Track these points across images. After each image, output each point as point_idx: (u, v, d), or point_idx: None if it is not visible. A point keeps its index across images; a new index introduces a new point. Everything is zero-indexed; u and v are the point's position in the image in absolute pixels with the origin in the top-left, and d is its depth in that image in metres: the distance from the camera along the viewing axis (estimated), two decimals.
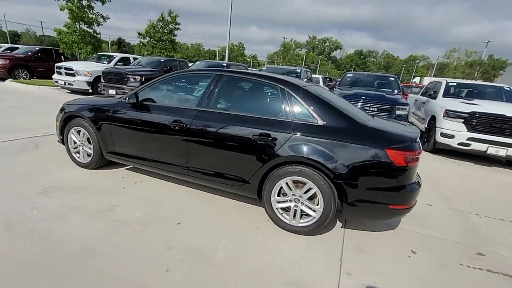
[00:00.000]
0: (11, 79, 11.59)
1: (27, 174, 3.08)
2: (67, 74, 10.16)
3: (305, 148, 2.27)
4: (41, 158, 3.58)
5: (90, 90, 10.13)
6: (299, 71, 9.03)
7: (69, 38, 13.12)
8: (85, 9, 13.58)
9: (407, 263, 2.20)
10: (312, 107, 2.40)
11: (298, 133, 2.32)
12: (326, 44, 79.86)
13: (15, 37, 56.89)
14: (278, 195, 2.45)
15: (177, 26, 20.13)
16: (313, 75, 13.32)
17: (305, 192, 2.34)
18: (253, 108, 2.75)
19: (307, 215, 2.39)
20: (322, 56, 75.99)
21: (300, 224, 2.40)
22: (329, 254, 2.21)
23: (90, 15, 13.67)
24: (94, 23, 13.91)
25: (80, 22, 13.42)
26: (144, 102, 2.92)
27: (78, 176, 3.17)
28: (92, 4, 13.60)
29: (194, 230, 2.36)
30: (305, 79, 8.46)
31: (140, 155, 3.00)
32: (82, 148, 3.34)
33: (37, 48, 13.56)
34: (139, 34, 19.97)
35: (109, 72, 9.06)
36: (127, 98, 2.99)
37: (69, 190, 2.81)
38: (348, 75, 8.72)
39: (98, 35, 14.98)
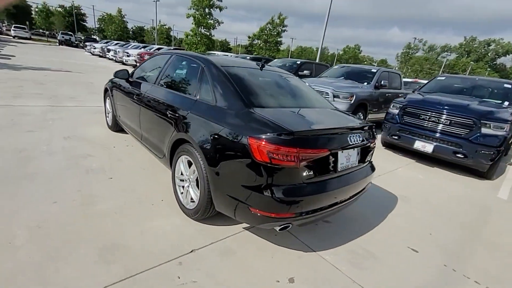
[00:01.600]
0: None
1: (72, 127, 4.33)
2: None
3: (190, 127, 2.19)
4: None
5: None
6: (375, 71, 7.78)
7: (191, 40, 16.36)
8: (207, 15, 16.50)
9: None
10: (215, 87, 2.25)
11: (194, 112, 2.26)
12: (490, 47, 60.79)
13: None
14: (182, 174, 2.46)
15: (284, 28, 21.07)
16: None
17: (193, 173, 2.25)
18: (181, 84, 2.85)
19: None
20: (482, 62, 58.41)
21: (187, 206, 2.33)
22: (189, 245, 2.07)
23: (209, 21, 16.52)
24: (211, 27, 16.74)
25: (201, 27, 16.49)
26: (134, 79, 3.52)
27: (97, 134, 4.16)
28: (212, 11, 16.38)
29: (110, 183, 2.72)
30: (381, 82, 7.26)
31: (128, 124, 3.63)
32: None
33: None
34: (250, 36, 22.21)
35: None
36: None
37: (80, 140, 3.78)
38: (439, 78, 6.83)
39: (212, 37, 17.81)
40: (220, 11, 17.13)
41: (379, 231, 2.61)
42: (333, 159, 1.96)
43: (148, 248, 1.94)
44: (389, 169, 4.52)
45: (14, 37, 32.31)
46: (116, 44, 22.38)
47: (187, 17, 16.41)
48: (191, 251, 1.98)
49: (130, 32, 60.56)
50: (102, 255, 1.81)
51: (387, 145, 5.90)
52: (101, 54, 23.11)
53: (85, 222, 2.11)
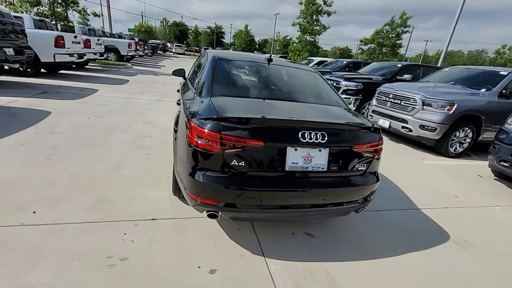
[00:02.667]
0: None
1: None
2: None
3: (177, 115, 2.48)
4: None
5: None
6: (505, 74, 5.65)
7: (295, 47, 16.84)
8: (314, 22, 16.54)
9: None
10: (202, 77, 2.43)
11: (183, 100, 2.51)
12: None
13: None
14: None
15: (405, 29, 18.40)
16: None
17: None
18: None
19: None
20: None
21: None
22: (155, 214, 2.33)
23: (315, 27, 16.49)
24: (317, 33, 16.65)
25: (307, 34, 16.68)
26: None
27: (168, 121, 5.15)
28: (319, 18, 16.29)
29: (143, 157, 3.36)
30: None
31: None
32: None
33: (279, 55, 18.70)
34: (362, 40, 20.56)
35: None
36: None
37: (153, 125, 4.81)
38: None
39: (317, 43, 17.68)
40: (328, 16, 16.82)
41: (368, 266, 2.05)
42: (279, 155, 1.75)
43: (126, 208, 2.35)
44: (478, 203, 3.32)
45: (174, 53, 43.15)
46: None
47: (292, 25, 17.08)
48: (152, 219, 2.24)
49: (256, 45, 68.23)
50: (94, 203, 2.35)
51: (500, 174, 4.28)
52: None
53: (105, 180, 2.76)
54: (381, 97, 6.26)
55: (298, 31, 17.08)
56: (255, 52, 54.29)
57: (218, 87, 2.24)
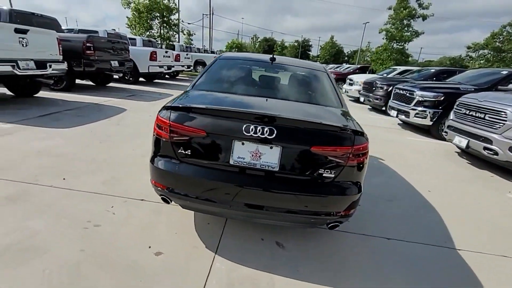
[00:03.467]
0: None
1: None
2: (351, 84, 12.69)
3: None
4: None
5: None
6: None
7: (377, 56, 15.27)
8: (404, 28, 14.66)
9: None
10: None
11: None
12: None
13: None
14: None
15: None
16: None
17: None
18: None
19: None
20: None
21: None
22: (146, 196, 2.59)
23: (405, 33, 14.57)
24: (407, 40, 14.67)
25: (394, 41, 14.89)
26: None
27: None
28: (411, 22, 14.32)
29: None
30: None
31: None
32: None
33: (358, 66, 17.48)
34: (471, 46, 16.95)
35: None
36: None
37: None
38: None
39: (405, 51, 15.59)
40: (424, 20, 14.63)
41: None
42: (224, 146, 1.71)
43: (129, 187, 2.70)
44: None
45: None
46: None
47: (379, 32, 15.58)
48: (141, 199, 2.51)
49: (345, 57, 65.56)
50: (108, 180, 2.81)
51: None
52: None
53: (128, 164, 3.25)
54: (460, 110, 5.08)
55: (383, 38, 15.53)
56: (344, 63, 52.27)
57: (204, 82, 2.35)
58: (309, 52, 69.54)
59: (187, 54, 13.95)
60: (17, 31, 4.74)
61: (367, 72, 16.05)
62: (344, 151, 1.69)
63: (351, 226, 2.42)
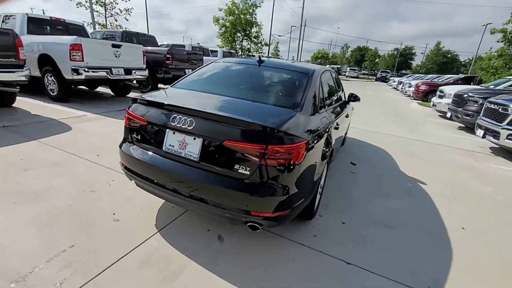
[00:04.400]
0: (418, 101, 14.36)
1: None
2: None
3: None
4: None
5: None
6: None
7: (488, 63, 12.10)
8: None
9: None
10: None
11: None
12: None
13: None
14: None
15: None
16: None
17: None
18: None
19: None
20: None
21: None
22: None
23: None
24: None
25: None
26: None
27: None
28: None
29: None
30: None
31: None
32: None
33: (461, 76, 14.48)
34: None
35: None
36: None
37: None
38: None
39: None
40: None
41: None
42: (160, 134, 1.93)
43: None
44: None
45: (347, 76, 43.75)
46: (409, 76, 22.42)
47: (491, 33, 12.33)
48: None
49: (461, 66, 54.71)
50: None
51: None
52: (395, 87, 24.48)
53: None
54: None
55: (499, 41, 12.20)
56: (460, 74, 43.66)
57: (183, 81, 2.64)
58: (411, 62, 61.32)
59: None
60: (113, 46, 6.28)
61: (472, 83, 13.05)
62: (256, 149, 1.64)
63: (311, 240, 2.21)
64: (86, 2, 15.62)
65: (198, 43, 13.14)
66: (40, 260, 1.75)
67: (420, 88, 15.04)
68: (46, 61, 5.95)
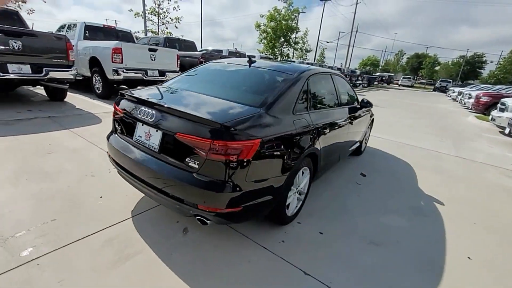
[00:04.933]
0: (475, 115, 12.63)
1: None
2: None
3: None
4: None
5: None
6: None
7: None
8: None
9: None
10: None
11: None
12: None
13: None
14: None
15: None
16: None
17: None
18: None
19: None
20: None
21: None
22: None
23: None
24: None
25: None
26: None
27: None
28: None
29: None
30: None
31: None
32: None
33: None
34: None
35: None
36: None
37: None
38: None
39: None
40: None
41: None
42: (133, 126, 2.08)
43: None
44: None
45: (399, 85, 40.44)
46: (474, 86, 19.81)
47: None
48: None
49: None
50: None
51: None
52: (454, 98, 21.93)
53: None
54: None
55: None
56: None
57: (171, 80, 2.80)
58: (480, 71, 54.02)
59: None
60: (150, 50, 6.90)
61: None
62: (203, 143, 1.66)
63: (277, 245, 2.14)
64: (142, 12, 17.61)
65: (236, 48, 13.67)
66: (23, 228, 2.02)
67: (480, 99, 13.23)
68: (95, 63, 6.81)
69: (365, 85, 27.99)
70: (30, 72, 4.96)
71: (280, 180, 2.01)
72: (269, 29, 18.82)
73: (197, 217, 1.82)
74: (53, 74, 5.25)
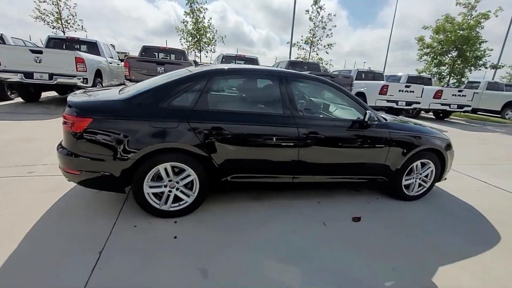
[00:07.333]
0: None
1: None
2: None
3: None
4: None
5: None
6: None
7: None
8: None
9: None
10: None
11: None
12: None
13: None
14: None
15: None
16: None
17: None
18: None
19: None
20: None
21: None
22: None
23: None
24: None
25: None
26: None
27: None
28: None
29: None
30: None
31: None
32: None
33: None
34: None
35: None
36: None
37: None
38: None
39: None
40: None
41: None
42: None
43: None
44: None
45: None
46: None
47: None
48: None
49: None
50: None
51: None
52: None
53: None
54: None
55: None
56: None
57: None
58: None
59: (461, 91, 10.68)
60: (32, 51, 6.65)
61: None
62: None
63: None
64: (297, 42, 20.04)
65: (369, 68, 12.26)
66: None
67: None
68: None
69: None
70: None
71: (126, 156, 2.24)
72: (436, 43, 14.49)
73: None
74: None
